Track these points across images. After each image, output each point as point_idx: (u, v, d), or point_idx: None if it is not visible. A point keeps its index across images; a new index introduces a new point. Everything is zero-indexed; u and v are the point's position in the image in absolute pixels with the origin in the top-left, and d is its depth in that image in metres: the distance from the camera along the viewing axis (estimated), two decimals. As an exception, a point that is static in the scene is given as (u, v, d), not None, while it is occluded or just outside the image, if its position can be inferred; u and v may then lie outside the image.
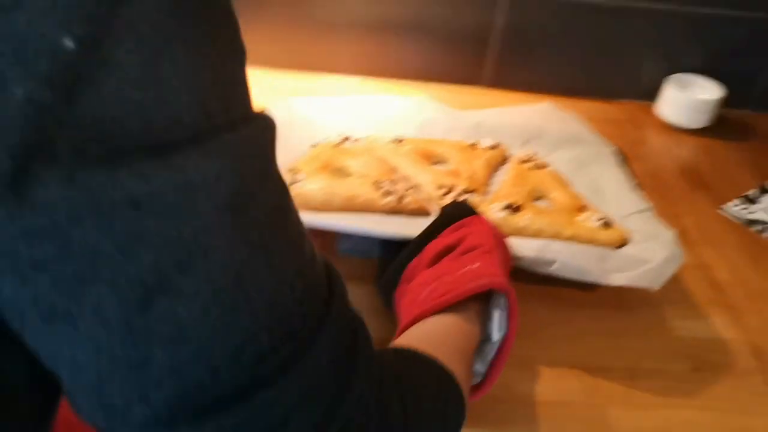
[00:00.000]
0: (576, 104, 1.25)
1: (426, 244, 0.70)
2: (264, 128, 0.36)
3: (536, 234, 0.83)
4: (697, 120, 1.18)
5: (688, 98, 1.19)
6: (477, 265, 0.63)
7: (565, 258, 0.75)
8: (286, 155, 0.90)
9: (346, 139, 0.95)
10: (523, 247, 0.76)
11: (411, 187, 0.86)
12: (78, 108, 0.28)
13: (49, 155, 0.28)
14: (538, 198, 0.92)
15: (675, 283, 0.81)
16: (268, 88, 1.17)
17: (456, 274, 0.63)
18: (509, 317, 0.61)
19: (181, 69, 0.30)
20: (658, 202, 0.99)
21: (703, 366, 0.75)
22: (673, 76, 1.22)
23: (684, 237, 0.92)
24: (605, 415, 0.68)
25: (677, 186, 1.05)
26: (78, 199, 0.29)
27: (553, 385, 0.70)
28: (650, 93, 1.25)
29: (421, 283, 0.65)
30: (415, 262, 0.69)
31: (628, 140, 1.16)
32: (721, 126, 1.19)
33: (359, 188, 0.83)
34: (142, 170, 0.29)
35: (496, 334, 0.61)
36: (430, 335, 0.58)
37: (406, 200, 0.83)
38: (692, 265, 0.88)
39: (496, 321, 0.62)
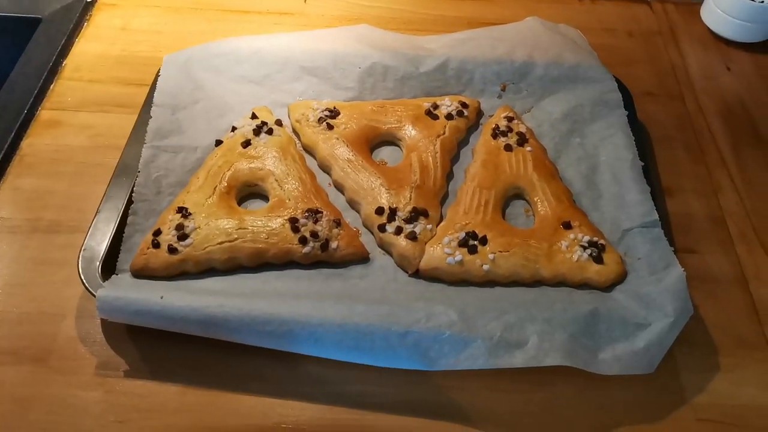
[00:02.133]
0: (590, 7, 0.95)
1: None
2: None
3: (504, 279, 0.63)
4: (756, 31, 0.87)
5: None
6: None
7: (539, 338, 0.56)
8: (186, 158, 0.71)
9: (260, 127, 0.72)
10: (481, 327, 0.57)
11: (337, 221, 0.65)
12: None
13: None
14: (512, 196, 0.71)
15: (695, 319, 0.61)
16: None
17: None
18: None
19: None
20: (688, 170, 0.75)
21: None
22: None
23: (715, 229, 0.69)
24: None
25: (721, 140, 0.78)
26: None
27: None
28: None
29: None
30: None
31: (657, 63, 0.87)
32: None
33: (269, 236, 0.63)
34: None
35: None
36: None
37: (333, 245, 0.63)
38: (727, 280, 0.66)
39: None
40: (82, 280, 0.60)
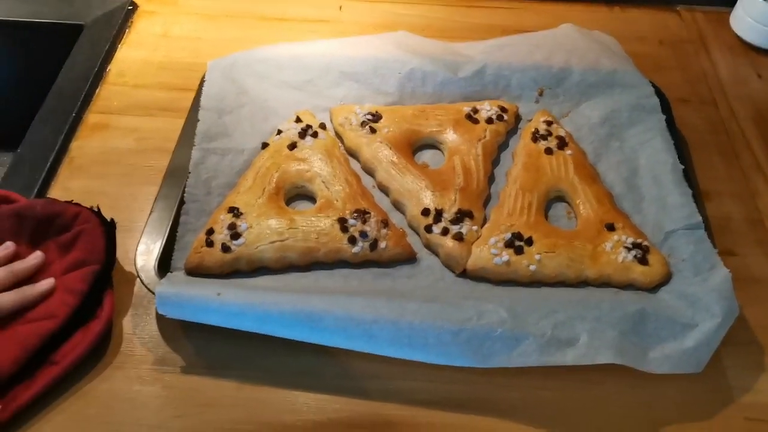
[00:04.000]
0: (621, 15, 0.96)
1: None
2: None
3: (550, 279, 0.64)
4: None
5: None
6: None
7: (590, 336, 0.57)
8: (234, 160, 0.72)
9: (305, 130, 0.74)
10: (531, 325, 0.58)
11: (385, 222, 0.67)
12: None
13: None
14: (554, 198, 0.72)
15: (739, 320, 0.61)
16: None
17: None
18: None
19: None
20: (724, 174, 0.76)
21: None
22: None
23: (754, 231, 0.71)
24: None
25: (755, 145, 0.79)
26: None
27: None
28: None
29: None
30: None
31: (688, 70, 0.88)
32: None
33: (319, 235, 0.65)
34: None
35: None
36: None
37: (382, 245, 0.65)
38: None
39: None
40: (140, 277, 0.61)
